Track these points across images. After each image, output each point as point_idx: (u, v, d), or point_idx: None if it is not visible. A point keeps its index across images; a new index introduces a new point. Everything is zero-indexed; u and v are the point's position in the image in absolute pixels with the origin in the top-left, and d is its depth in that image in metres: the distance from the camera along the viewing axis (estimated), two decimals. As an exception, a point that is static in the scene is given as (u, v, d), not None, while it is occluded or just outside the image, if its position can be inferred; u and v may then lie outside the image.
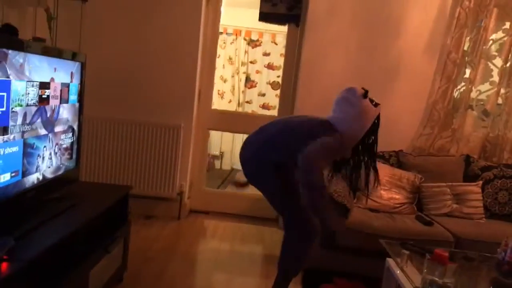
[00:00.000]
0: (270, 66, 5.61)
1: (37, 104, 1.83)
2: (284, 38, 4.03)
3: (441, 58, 3.55)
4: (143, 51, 3.59)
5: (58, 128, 2.06)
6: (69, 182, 2.25)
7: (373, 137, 2.31)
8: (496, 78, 3.56)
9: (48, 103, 1.92)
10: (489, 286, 2.27)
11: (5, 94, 1.59)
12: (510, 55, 3.48)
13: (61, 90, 2.04)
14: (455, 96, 3.58)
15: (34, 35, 2.86)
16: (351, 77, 3.63)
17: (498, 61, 3.55)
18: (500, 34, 3.59)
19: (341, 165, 2.44)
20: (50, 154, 2.02)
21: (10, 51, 1.61)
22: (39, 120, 1.87)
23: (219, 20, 3.86)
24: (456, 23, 3.47)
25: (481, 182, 3.28)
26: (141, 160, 3.62)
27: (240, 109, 5.62)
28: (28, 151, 1.81)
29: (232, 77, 5.67)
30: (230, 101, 5.67)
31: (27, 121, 1.77)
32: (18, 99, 1.68)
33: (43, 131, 1.92)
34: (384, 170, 3.26)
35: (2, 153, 1.62)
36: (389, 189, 3.18)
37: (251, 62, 5.65)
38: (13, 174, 1.72)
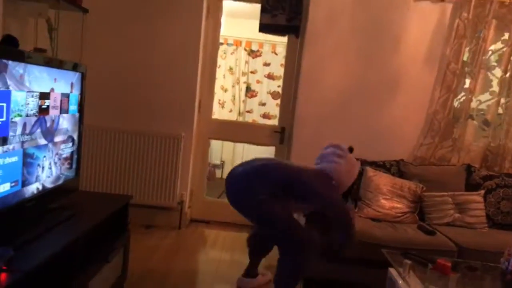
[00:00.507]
0: (270, 76, 5.63)
1: (37, 114, 1.83)
2: (284, 48, 4.05)
3: (440, 69, 3.57)
4: (144, 61, 3.61)
5: (58, 138, 2.06)
6: (69, 192, 2.24)
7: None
8: (496, 88, 3.57)
9: (48, 113, 1.93)
10: (492, 296, 2.25)
11: (4, 104, 1.60)
12: (509, 65, 3.49)
13: (61, 101, 2.04)
14: (456, 106, 3.59)
15: (35, 45, 2.88)
16: (350, 87, 3.65)
17: (498, 72, 3.57)
18: (499, 45, 3.60)
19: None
20: (50, 164, 2.01)
21: (10, 62, 1.62)
22: (38, 130, 1.87)
23: (219, 31, 3.89)
24: (455, 34, 3.50)
25: (483, 191, 3.27)
26: (142, 170, 3.62)
27: (240, 119, 5.63)
28: (27, 161, 1.81)
29: (232, 87, 5.69)
30: (230, 111, 5.69)
31: (27, 131, 1.77)
32: (18, 109, 1.69)
33: (43, 141, 1.92)
34: (385, 179, 3.26)
35: (1, 163, 1.62)
36: (390, 198, 3.17)
37: (251, 72, 5.67)
38: (12, 184, 1.72)
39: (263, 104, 5.67)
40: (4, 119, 1.60)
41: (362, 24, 3.59)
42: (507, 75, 3.49)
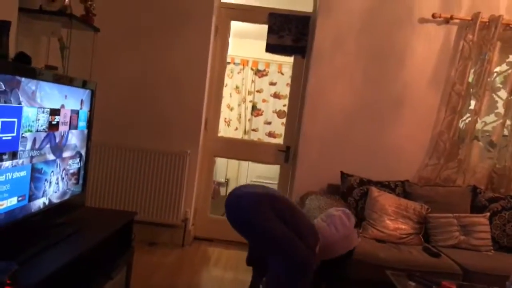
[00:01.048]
0: (276, 95, 5.68)
1: (46, 130, 1.86)
2: (291, 68, 4.10)
3: (445, 90, 3.59)
4: (152, 79, 3.67)
5: (66, 154, 2.09)
6: (75, 207, 2.26)
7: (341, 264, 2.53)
8: (501, 109, 3.56)
9: (57, 129, 1.96)
10: (498, 321, 2.21)
11: (16, 120, 1.63)
12: (515, 87, 3.50)
13: (70, 117, 2.08)
14: (461, 127, 3.59)
15: (46, 63, 2.95)
16: (356, 107, 3.67)
17: (503, 93, 3.57)
18: (504, 67, 3.61)
19: None
20: (57, 179, 2.04)
21: (23, 79, 1.66)
22: (48, 145, 1.90)
23: (227, 51, 3.96)
24: (460, 56, 3.53)
25: (488, 213, 3.24)
26: (147, 186, 3.63)
27: (246, 137, 5.66)
28: (35, 175, 1.83)
29: (238, 105, 5.74)
30: (236, 129, 5.72)
31: (36, 147, 1.80)
32: (29, 125, 1.72)
33: (51, 156, 1.94)
34: (390, 200, 3.25)
35: (10, 177, 1.64)
36: (395, 219, 3.15)
37: (257, 91, 5.72)
38: (20, 199, 1.74)
39: (269, 123, 5.70)
40: (14, 134, 1.63)
41: (367, 45, 3.64)
42: (513, 97, 3.50)
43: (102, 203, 3.61)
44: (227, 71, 4.85)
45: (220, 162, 5.40)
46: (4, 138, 1.57)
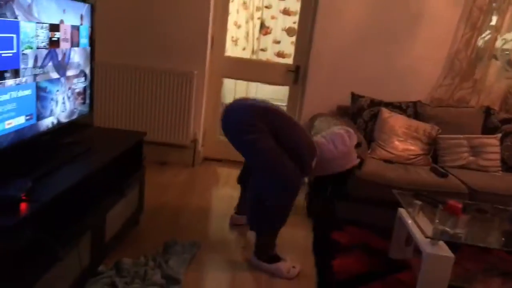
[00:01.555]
0: (286, 12, 5.40)
1: (47, 47, 1.79)
2: (302, -19, 3.83)
3: (466, 4, 3.37)
4: (155, -6, 3.47)
5: (70, 72, 2.04)
6: (83, 127, 2.26)
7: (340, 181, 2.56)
8: (524, 26, 3.38)
9: (58, 46, 1.89)
10: (500, 237, 2.28)
11: (14, 35, 1.56)
12: (542, 1, 3.27)
13: (71, 33, 1.99)
14: (479, 45, 3.43)
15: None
16: (370, 23, 3.49)
17: (528, 7, 3.36)
18: (532, -22, 3.35)
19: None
20: (63, 98, 2.01)
21: (17, -10, 1.55)
22: (50, 63, 1.84)
23: (233, -38, 3.69)
24: (486, -34, 3.26)
25: (500, 134, 3.21)
26: (155, 107, 3.61)
27: (254, 57, 5.50)
28: (41, 94, 1.80)
29: (246, 23, 5.49)
30: (244, 49, 5.54)
31: (39, 64, 1.74)
32: (28, 41, 1.65)
33: (55, 75, 1.89)
34: (400, 121, 3.21)
35: (15, 96, 1.61)
36: (404, 140, 3.14)
37: (266, 7, 5.44)
38: (27, 118, 1.72)
39: (278, 42, 5.50)
40: (14, 50, 1.57)
41: (386, -45, 3.36)
42: (538, 12, 3.29)
43: (111, 123, 3.62)
44: (234, -15, 4.56)
45: (228, 83, 5.31)
46: (4, 54, 1.51)
